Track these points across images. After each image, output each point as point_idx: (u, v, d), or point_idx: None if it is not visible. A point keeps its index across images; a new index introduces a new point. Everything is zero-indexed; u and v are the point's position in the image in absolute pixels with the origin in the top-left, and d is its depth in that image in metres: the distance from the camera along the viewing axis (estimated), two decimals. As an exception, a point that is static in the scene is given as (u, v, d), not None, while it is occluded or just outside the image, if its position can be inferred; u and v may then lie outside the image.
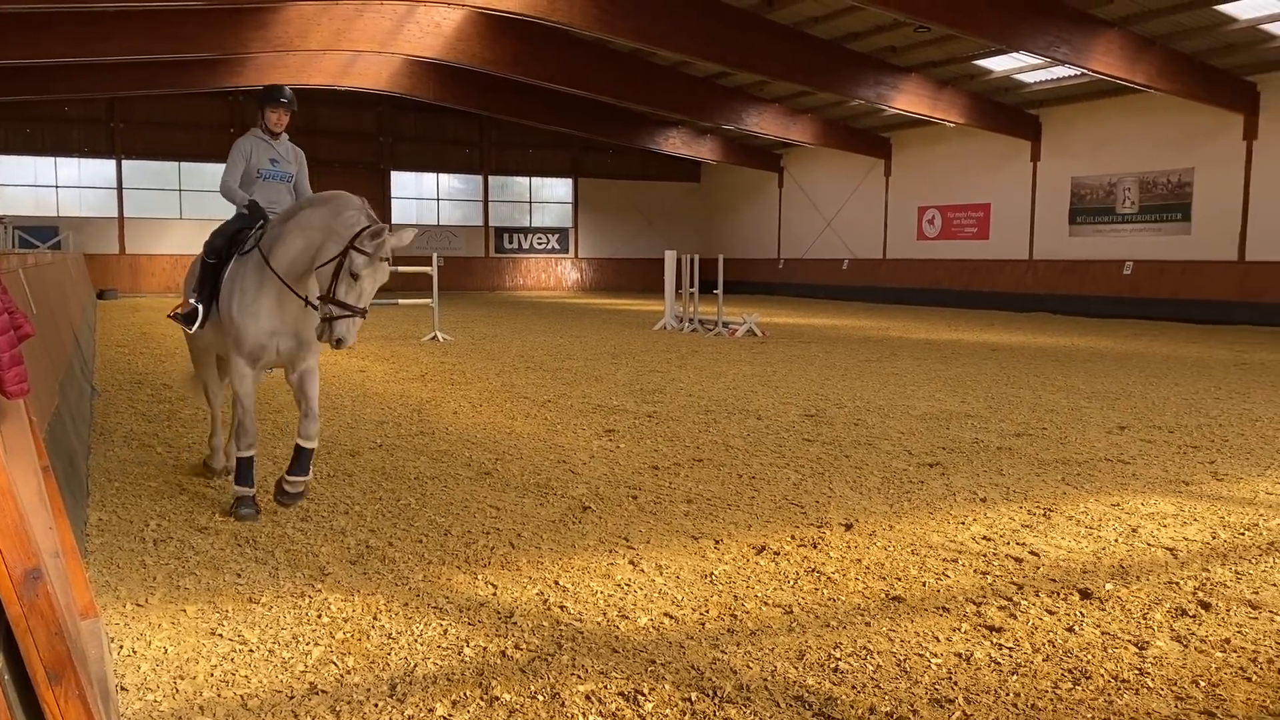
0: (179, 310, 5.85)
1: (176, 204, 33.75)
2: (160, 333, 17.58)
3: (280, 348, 5.40)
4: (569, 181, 39.13)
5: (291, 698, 3.25)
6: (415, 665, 3.50)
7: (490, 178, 37.74)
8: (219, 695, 3.27)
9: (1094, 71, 19.49)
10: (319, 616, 3.96)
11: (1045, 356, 14.58)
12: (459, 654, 3.60)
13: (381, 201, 35.53)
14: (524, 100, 30.42)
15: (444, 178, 37.61)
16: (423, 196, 37.50)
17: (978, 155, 27.88)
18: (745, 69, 22.75)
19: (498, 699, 3.23)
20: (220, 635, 3.77)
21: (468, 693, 3.28)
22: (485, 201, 37.87)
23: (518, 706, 3.18)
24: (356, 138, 35.46)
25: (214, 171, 33.54)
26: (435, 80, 28.90)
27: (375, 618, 3.95)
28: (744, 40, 21.37)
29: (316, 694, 3.28)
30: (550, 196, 39.46)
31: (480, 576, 4.47)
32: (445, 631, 3.80)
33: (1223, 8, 18.16)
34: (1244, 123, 21.23)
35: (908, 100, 24.07)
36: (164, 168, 33.56)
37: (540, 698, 3.24)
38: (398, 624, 3.88)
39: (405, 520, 5.43)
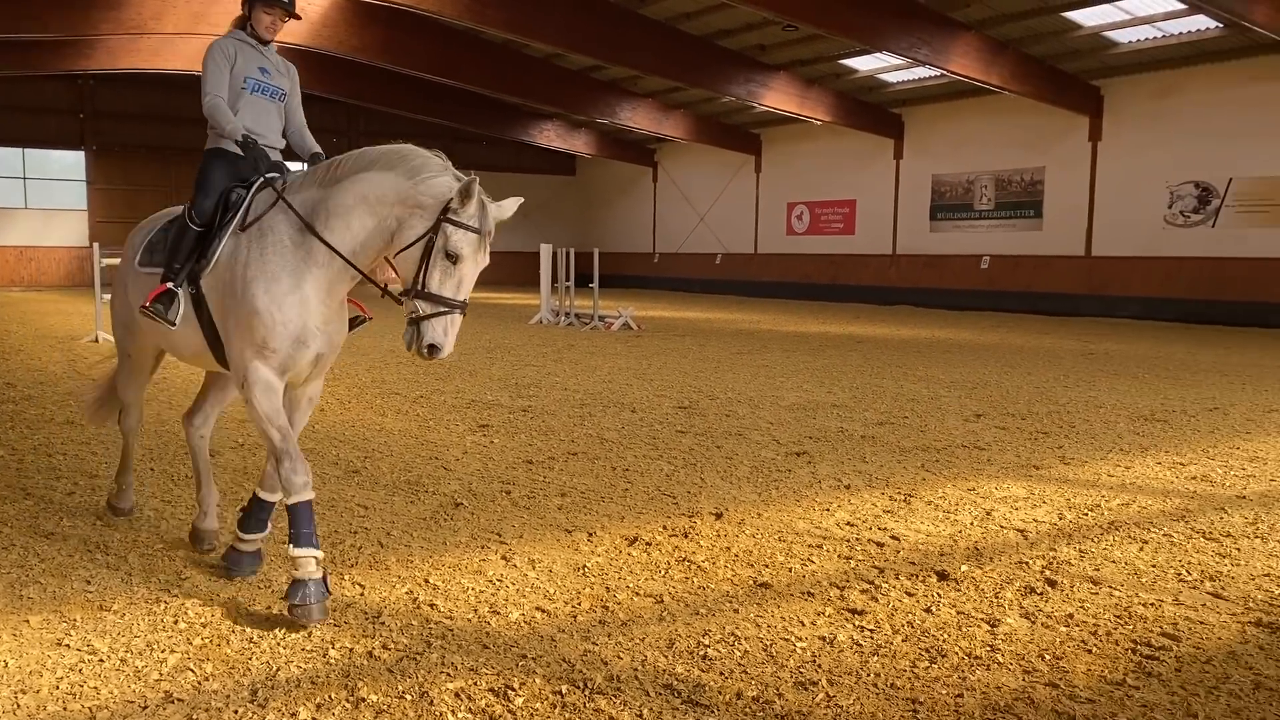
0: (147, 303, 4.28)
1: (21, 193, 31.86)
2: (3, 329, 16.61)
3: (322, 353, 4.15)
4: (441, 173, 38.53)
5: (145, 708, 3.12)
6: (278, 669, 3.40)
7: (360, 169, 36.86)
8: (65, 709, 3.11)
9: (952, 73, 20.25)
10: (175, 623, 3.81)
11: (908, 348, 15.09)
12: (324, 656, 3.52)
13: (245, 192, 34.28)
14: (394, 89, 29.80)
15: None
16: (288, 187, 36.37)
17: (844, 153, 28.65)
18: (618, 63, 22.83)
19: (364, 700, 3.17)
20: (67, 646, 3.59)
21: (333, 695, 3.21)
22: (355, 193, 36.98)
23: (385, 707, 3.13)
24: (218, 125, 34.11)
25: (60, 160, 31.85)
26: (300, 67, 28.01)
27: (236, 622, 3.83)
28: (616, 34, 21.44)
29: (172, 702, 3.15)
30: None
31: (347, 577, 4.38)
32: (310, 634, 3.71)
33: (1070, 14, 19.10)
34: (1089, 125, 22.40)
35: (777, 98, 24.55)
36: (7, 154, 31.64)
37: (408, 697, 3.20)
38: (260, 628, 3.77)
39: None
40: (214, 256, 4.17)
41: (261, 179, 4.31)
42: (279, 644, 3.61)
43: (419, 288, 3.76)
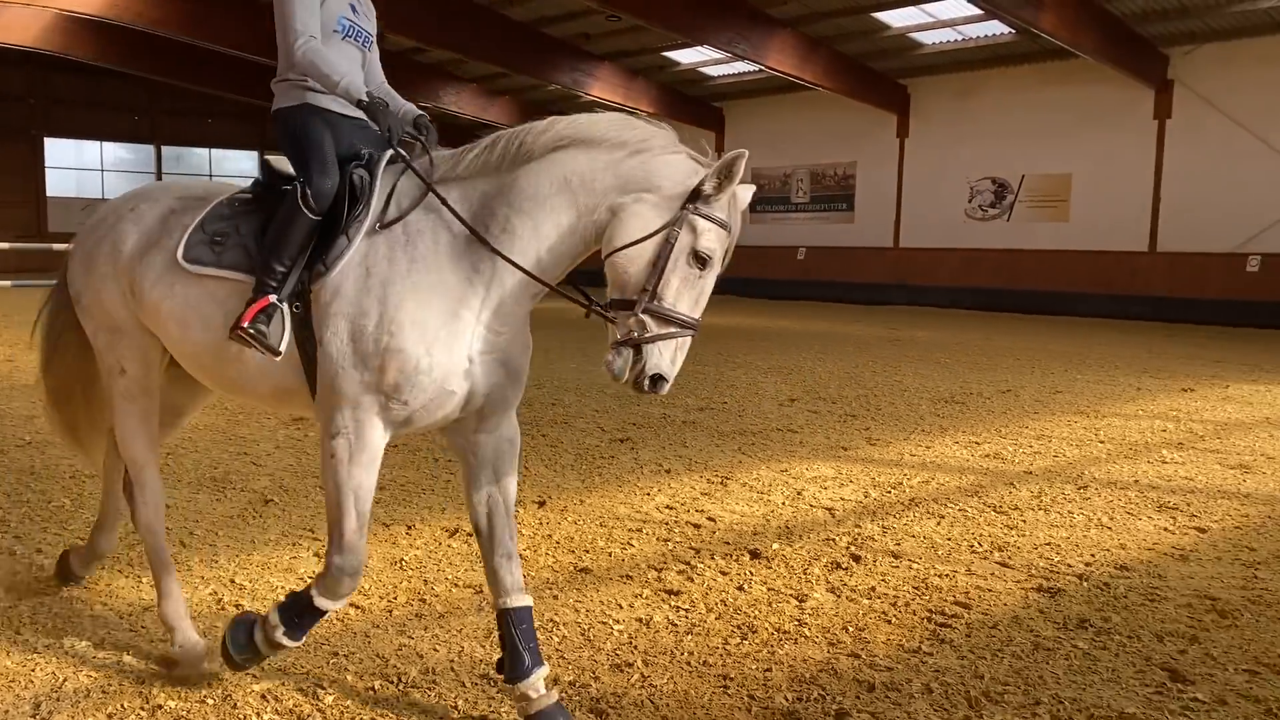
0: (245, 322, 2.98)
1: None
2: None
3: (481, 392, 3.04)
4: (254, 155, 36.90)
5: (-90, 730, 2.87)
6: (64, 680, 3.19)
7: (164, 148, 34.86)
8: None
9: (770, 69, 20.85)
10: (-53, 637, 3.52)
11: (729, 335, 15.49)
12: (118, 663, 3.33)
13: (34, 171, 31.91)
14: (202, 66, 28.28)
15: (109, 147, 34.31)
16: (84, 167, 34.02)
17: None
18: (440, 45, 22.40)
19: (161, 707, 3.02)
20: None
21: (126, 703, 3.04)
22: (158, 174, 34.93)
23: (184, 713, 2.99)
24: (1, 99, 31.59)
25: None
26: (95, 39, 26.21)
27: (18, 632, 3.57)
28: (437, 17, 21.02)
29: (-58, 723, 2.92)
30: (234, 170, 37.03)
31: (145, 579, 4.14)
32: (102, 641, 3.50)
33: (879, 15, 19.98)
34: (897, 122, 23.52)
35: (602, 88, 24.66)
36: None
37: (210, 701, 3.06)
38: (44, 637, 3.52)
39: (58, 524, 4.93)
40: (339, 261, 2.99)
41: (392, 158, 3.18)
42: (66, 653, 3.39)
43: (650, 299, 2.81)
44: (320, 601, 2.96)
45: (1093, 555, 4.72)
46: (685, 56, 24.21)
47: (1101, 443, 7.44)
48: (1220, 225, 18.39)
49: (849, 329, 17.08)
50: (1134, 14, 17.63)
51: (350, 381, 2.90)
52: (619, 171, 2.86)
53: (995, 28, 19.69)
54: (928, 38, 20.89)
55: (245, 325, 2.97)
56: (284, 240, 3.05)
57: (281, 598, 3.13)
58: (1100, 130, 19.97)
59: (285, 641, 3.00)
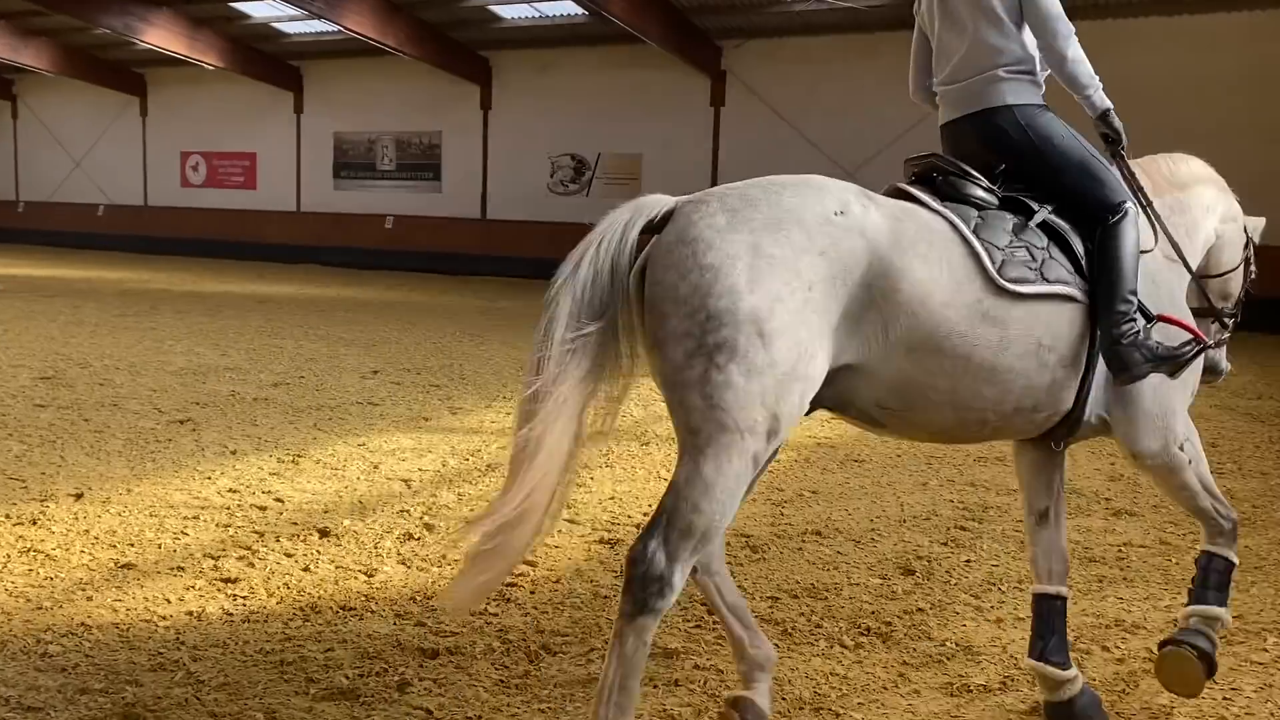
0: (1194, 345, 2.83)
1: None
2: None
3: None
4: None
5: None
6: None
7: None
8: None
9: (348, 29, 20.12)
10: None
11: (311, 307, 14.85)
12: None
13: None
14: None
15: None
16: None
17: (241, 102, 27.15)
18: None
19: None
20: None
21: None
22: None
23: None
24: None
25: None
26: None
27: None
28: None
29: None
30: None
31: None
32: None
33: (460, -16, 19.94)
34: (480, 94, 23.71)
35: (161, 36, 22.44)
36: None
37: None
38: None
39: None
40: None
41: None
42: None
43: (1235, 311, 3.35)
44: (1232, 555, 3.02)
45: (650, 505, 5.07)
46: (257, 10, 22.66)
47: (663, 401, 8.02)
48: (767, 204, 20.55)
49: (438, 299, 17.04)
50: (692, 6, 19.07)
51: (1179, 394, 2.92)
52: (1227, 204, 3.27)
53: (570, 8, 20.40)
54: (507, 11, 21.20)
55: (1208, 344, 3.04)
56: (1127, 268, 2.77)
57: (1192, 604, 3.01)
58: (666, 114, 21.45)
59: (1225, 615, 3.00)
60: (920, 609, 3.83)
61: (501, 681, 3.10)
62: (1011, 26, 2.94)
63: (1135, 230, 2.81)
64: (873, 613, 3.78)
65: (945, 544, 4.64)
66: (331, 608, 3.62)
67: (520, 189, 23.45)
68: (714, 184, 18.01)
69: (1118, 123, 2.99)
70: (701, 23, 19.83)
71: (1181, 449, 2.90)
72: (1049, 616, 2.95)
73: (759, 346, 2.30)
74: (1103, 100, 2.99)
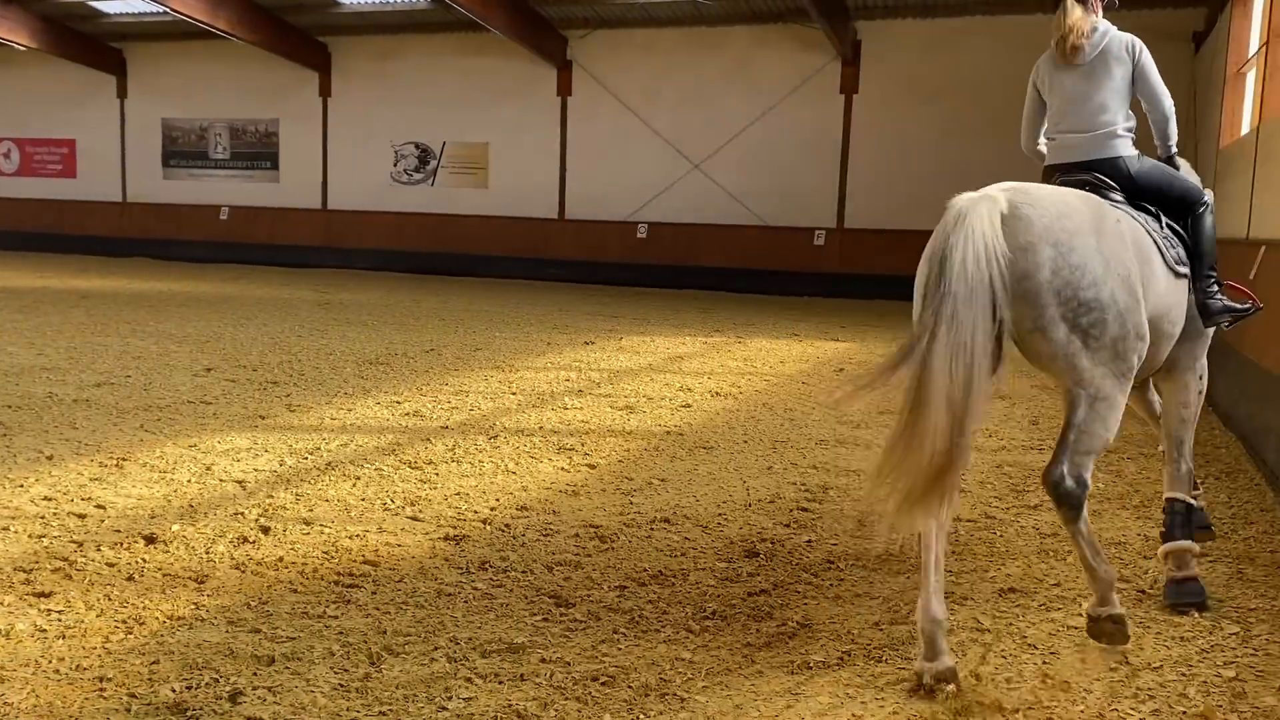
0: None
1: None
2: None
3: None
4: None
5: None
6: None
7: None
8: None
9: (176, 11, 19.16)
10: None
11: (140, 302, 14.09)
12: None
13: None
14: None
15: None
16: None
17: (58, 85, 25.48)
18: None
19: None
20: None
21: None
22: None
23: None
24: None
25: None
26: None
27: None
28: None
29: None
30: None
31: None
32: None
33: (294, -32, 19.23)
34: (320, 81, 22.95)
35: (-35, 13, 20.85)
36: None
37: None
38: None
39: None
40: None
41: None
42: None
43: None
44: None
45: (497, 500, 5.02)
46: (73, -13, 21.33)
47: (513, 394, 7.97)
48: (615, 197, 20.62)
49: (276, 293, 16.43)
50: (538, -4, 19.01)
51: (1207, 343, 4.05)
52: None
53: (413, -6, 20.00)
54: (347, -3, 20.61)
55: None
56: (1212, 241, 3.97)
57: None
58: (513, 103, 21.26)
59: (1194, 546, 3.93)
60: (764, 590, 3.91)
61: (341, 685, 3.00)
62: (1158, 102, 4.05)
63: (1213, 216, 3.93)
64: (718, 596, 3.83)
65: (788, 525, 4.76)
66: (158, 618, 3.44)
67: (363, 179, 22.85)
68: (563, 173, 18.22)
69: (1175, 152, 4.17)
70: (546, 12, 19.73)
71: (1201, 378, 4.02)
72: (1170, 515, 3.95)
73: (1117, 323, 3.21)
74: (1174, 145, 4.14)
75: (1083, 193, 3.51)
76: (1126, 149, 3.91)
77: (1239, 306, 3.92)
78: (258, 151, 24.01)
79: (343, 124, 23.00)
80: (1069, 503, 3.23)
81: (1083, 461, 3.26)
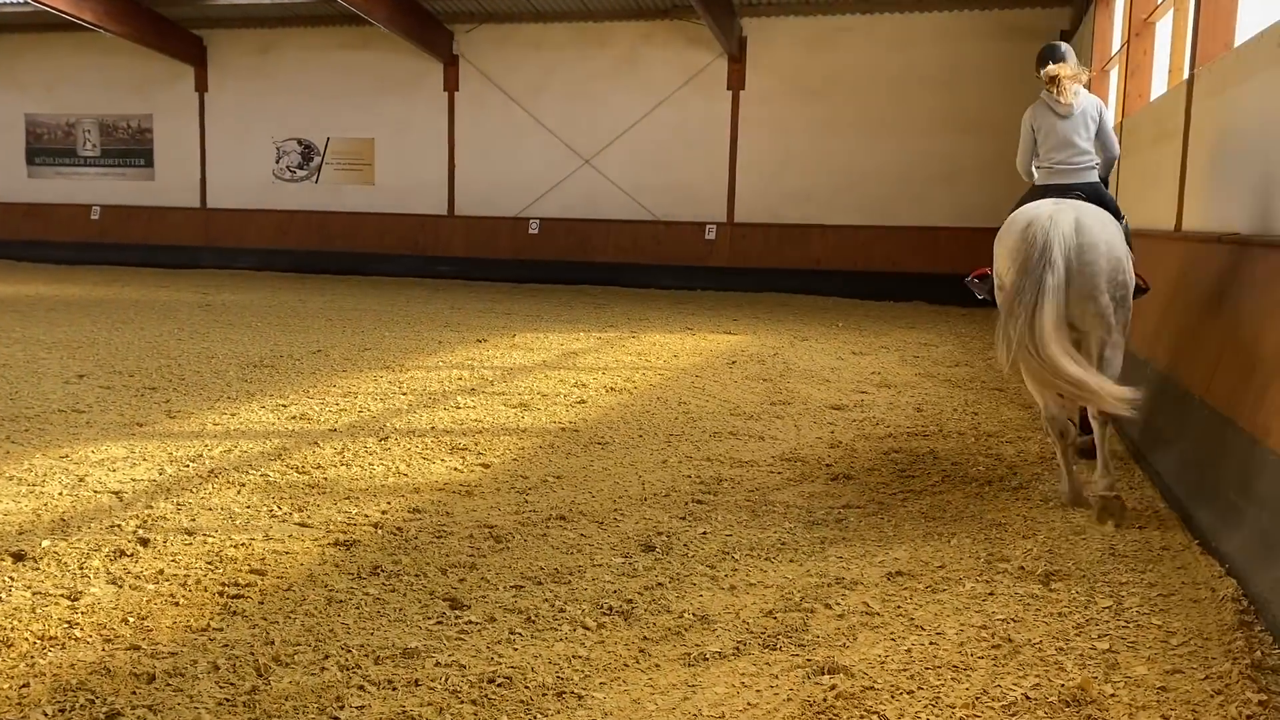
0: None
1: None
2: None
3: None
4: None
5: None
6: None
7: None
8: None
9: (38, 2, 18.25)
10: None
11: (4, 307, 13.39)
12: None
13: None
14: None
15: None
16: None
17: (-91, 79, 24.05)
18: None
19: None
20: None
21: None
22: None
23: None
24: None
25: None
26: None
27: None
28: None
29: None
30: None
31: None
32: None
33: (166, -42, 18.52)
34: (195, 75, 22.15)
35: None
36: None
37: None
38: None
39: None
40: None
41: None
42: None
43: None
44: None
45: (389, 503, 4.94)
46: (-78, -25, 20.13)
47: (404, 394, 7.83)
48: (506, 192, 20.45)
49: (153, 295, 15.81)
50: (422, -11, 18.69)
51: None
52: None
53: (292, -14, 19.47)
54: (222, -12, 19.95)
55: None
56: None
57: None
58: (398, 98, 20.87)
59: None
60: (660, 583, 3.93)
61: (226, 700, 2.91)
62: (1110, 141, 5.71)
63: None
64: (615, 592, 3.84)
65: (684, 518, 4.80)
66: (28, 639, 3.27)
67: (243, 176, 22.16)
68: (452, 169, 17.99)
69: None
70: (431, 6, 19.45)
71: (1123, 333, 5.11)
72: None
73: (1130, 293, 5.01)
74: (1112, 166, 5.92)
75: (1096, 207, 5.07)
76: (1095, 176, 5.55)
77: (1141, 284, 5.33)
78: (130, 148, 23.06)
79: (221, 120, 22.26)
80: (1110, 410, 4.57)
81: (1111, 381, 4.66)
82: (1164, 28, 9.56)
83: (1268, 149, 5.56)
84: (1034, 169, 5.74)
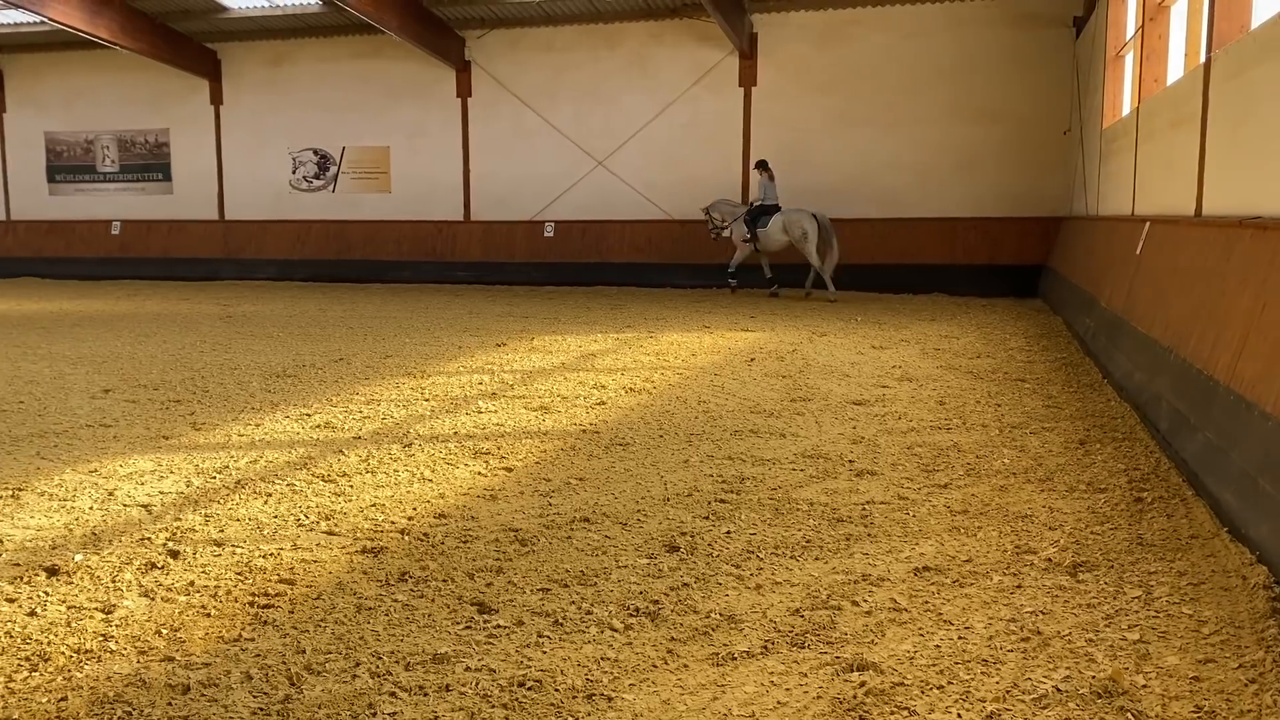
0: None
1: None
2: None
3: None
4: None
5: None
6: None
7: None
8: None
9: (53, 20, 18.43)
10: None
11: (30, 324, 13.55)
12: None
13: None
14: None
15: None
16: None
17: (-71, 101, 24.34)
18: None
19: None
20: None
21: None
22: None
23: None
24: None
25: None
26: None
27: None
28: None
29: None
30: None
31: None
32: None
33: (178, -27, 18.66)
34: (210, 88, 22.33)
35: None
36: None
37: None
38: None
39: None
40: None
41: None
42: None
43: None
44: None
45: (415, 509, 4.96)
46: (-60, -2, 20.33)
47: (426, 400, 7.87)
48: (521, 195, 20.51)
49: (175, 308, 15.95)
50: (432, -4, 18.77)
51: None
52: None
53: (303, -3, 19.58)
54: (232, 2, 20.07)
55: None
56: None
57: None
58: (412, 106, 20.98)
59: None
60: (686, 584, 3.94)
61: (260, 709, 2.93)
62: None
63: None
64: (641, 593, 3.85)
65: (707, 518, 4.80)
66: (64, 653, 3.31)
67: (260, 187, 22.33)
68: (467, 174, 18.21)
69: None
70: (442, 13, 19.51)
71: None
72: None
73: None
74: None
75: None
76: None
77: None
78: (148, 163, 23.27)
79: (237, 132, 22.43)
80: None
81: None
82: (1179, 11, 9.49)
83: (1287, 131, 5.51)
84: None
